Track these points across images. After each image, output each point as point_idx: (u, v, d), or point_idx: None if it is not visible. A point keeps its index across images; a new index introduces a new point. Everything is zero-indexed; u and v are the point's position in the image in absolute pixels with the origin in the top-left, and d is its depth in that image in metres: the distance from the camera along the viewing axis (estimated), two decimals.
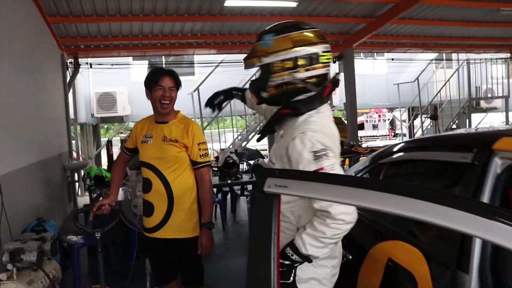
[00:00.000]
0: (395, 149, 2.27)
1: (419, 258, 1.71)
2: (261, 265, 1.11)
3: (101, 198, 4.74)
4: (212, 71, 11.43)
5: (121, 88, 12.26)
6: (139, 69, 12.48)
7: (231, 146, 11.86)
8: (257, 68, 1.90)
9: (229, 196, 7.79)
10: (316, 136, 1.70)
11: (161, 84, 2.73)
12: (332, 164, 1.66)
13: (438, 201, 0.76)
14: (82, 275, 4.19)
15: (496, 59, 14.43)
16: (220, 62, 11.81)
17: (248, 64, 1.91)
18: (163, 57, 12.69)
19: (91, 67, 9.91)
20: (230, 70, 12.02)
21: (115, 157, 9.21)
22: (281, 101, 1.86)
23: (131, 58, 12.25)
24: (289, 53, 1.80)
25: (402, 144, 2.42)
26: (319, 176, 1.04)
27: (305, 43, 1.80)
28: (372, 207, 0.89)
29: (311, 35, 1.82)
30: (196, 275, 2.86)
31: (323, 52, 1.81)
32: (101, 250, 2.98)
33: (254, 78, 1.98)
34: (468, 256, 1.46)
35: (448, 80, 13.44)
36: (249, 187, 7.19)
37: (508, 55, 13.80)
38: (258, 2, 7.51)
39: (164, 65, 12.99)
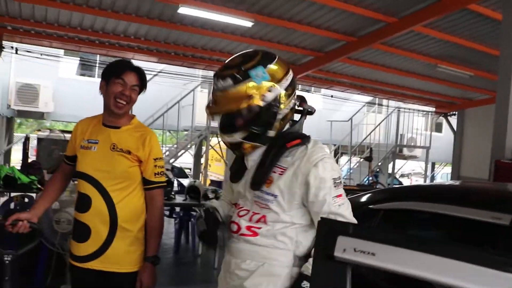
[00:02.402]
0: (399, 194, 2.00)
1: None
2: None
3: (11, 205, 3.99)
4: (149, 80, 10.84)
5: (46, 82, 11.21)
6: (69, 65, 11.55)
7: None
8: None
9: None
10: (333, 163, 1.69)
11: (123, 78, 2.22)
12: (344, 193, 1.68)
13: None
14: None
15: (423, 111, 15.24)
16: (159, 72, 11.28)
17: (235, 110, 1.66)
18: (98, 56, 11.84)
19: (16, 52, 8.88)
20: (167, 82, 11.53)
21: (31, 157, 8.31)
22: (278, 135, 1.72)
23: (62, 51, 11.28)
24: (287, 79, 1.70)
25: (407, 189, 2.15)
26: (434, 245, 0.70)
27: (289, 68, 1.74)
28: None
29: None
30: None
31: None
32: (8, 279, 2.26)
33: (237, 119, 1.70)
34: None
35: (379, 124, 13.91)
36: (177, 208, 6.75)
37: (433, 109, 14.61)
38: (214, 16, 7.16)
39: (97, 64, 12.15)
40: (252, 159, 1.73)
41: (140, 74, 2.30)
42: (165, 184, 2.46)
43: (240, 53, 1.74)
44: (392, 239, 0.74)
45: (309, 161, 1.63)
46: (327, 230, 0.77)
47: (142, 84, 2.31)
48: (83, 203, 2.26)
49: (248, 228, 1.69)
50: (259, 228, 1.68)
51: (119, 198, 2.25)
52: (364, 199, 2.22)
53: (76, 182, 2.38)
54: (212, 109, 1.67)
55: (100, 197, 2.23)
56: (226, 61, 1.71)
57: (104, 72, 2.31)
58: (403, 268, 0.71)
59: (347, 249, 0.74)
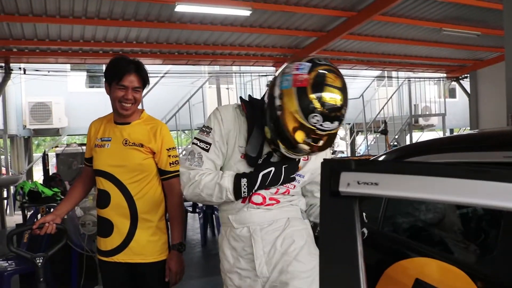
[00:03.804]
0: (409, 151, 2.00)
1: (461, 279, 1.42)
2: None
3: (38, 216, 4.10)
4: (157, 83, 10.94)
5: (57, 98, 11.41)
6: (77, 79, 11.70)
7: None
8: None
9: None
10: None
11: (123, 83, 2.23)
12: None
13: None
14: None
15: (434, 78, 15.05)
16: (166, 73, 11.35)
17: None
18: (104, 65, 11.96)
19: (24, 72, 9.04)
20: (175, 82, 11.59)
21: (51, 172, 8.48)
22: None
23: (68, 66, 11.45)
24: None
25: (416, 145, 2.15)
26: (432, 167, 0.71)
27: None
28: None
29: None
30: None
31: None
32: (43, 280, 2.35)
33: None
34: None
35: (391, 97, 13.78)
36: (200, 203, 6.80)
37: (444, 75, 14.41)
38: (211, 9, 7.18)
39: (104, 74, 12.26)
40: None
41: (141, 73, 2.30)
42: None
43: (343, 85, 1.58)
44: (393, 167, 0.76)
45: None
46: (330, 168, 0.79)
47: (144, 82, 2.33)
48: (103, 199, 2.33)
49: (272, 198, 1.81)
50: (280, 197, 1.83)
51: (136, 190, 2.30)
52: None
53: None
54: (321, 149, 1.64)
55: (118, 191, 2.29)
56: (336, 102, 1.55)
57: (105, 75, 2.33)
58: (406, 193, 0.73)
59: (351, 183, 0.76)
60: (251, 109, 1.78)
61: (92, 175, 2.48)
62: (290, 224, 1.83)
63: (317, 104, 1.52)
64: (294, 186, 1.84)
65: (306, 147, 1.59)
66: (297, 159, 1.79)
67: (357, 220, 0.76)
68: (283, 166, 1.74)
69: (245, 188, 1.73)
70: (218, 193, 1.74)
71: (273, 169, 1.73)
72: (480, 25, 9.39)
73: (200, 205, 6.87)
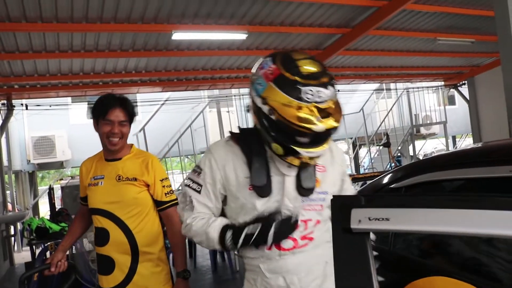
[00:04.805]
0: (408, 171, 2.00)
1: None
2: None
3: (48, 252, 4.10)
4: (158, 110, 11.01)
5: (60, 131, 11.49)
6: (78, 111, 11.80)
7: (180, 188, 11.37)
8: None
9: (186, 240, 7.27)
10: None
11: (109, 118, 2.26)
12: None
13: None
14: None
15: (432, 87, 15.12)
16: (166, 100, 11.43)
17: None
18: None
19: (27, 108, 9.13)
20: (175, 109, 11.67)
21: (58, 207, 8.48)
22: None
23: (69, 99, 11.55)
24: None
25: (422, 163, 2.15)
26: (448, 200, 0.72)
27: None
28: None
29: None
30: None
31: None
32: None
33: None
34: None
35: (391, 109, 13.82)
36: None
37: (442, 83, 14.48)
38: (208, 35, 7.27)
39: (91, 112, 12.40)
40: (293, 166, 1.57)
41: (126, 107, 2.32)
42: (177, 201, 2.48)
43: (311, 56, 1.51)
44: (403, 202, 0.77)
45: (338, 151, 1.79)
46: (341, 206, 0.80)
47: (130, 116, 2.35)
48: (101, 236, 2.33)
49: (304, 237, 1.60)
50: (313, 232, 1.62)
51: (134, 224, 2.31)
52: (385, 180, 2.24)
53: None
54: (331, 123, 1.43)
55: (116, 227, 2.30)
56: (314, 67, 1.46)
57: (92, 112, 2.37)
58: (417, 226, 0.74)
59: (362, 219, 0.77)
60: (243, 138, 1.64)
61: (86, 213, 2.49)
62: (329, 270, 1.60)
63: (301, 79, 1.40)
64: (322, 206, 1.63)
65: (318, 127, 1.39)
66: (295, 219, 1.56)
67: (371, 255, 0.77)
68: (274, 223, 1.50)
69: (230, 242, 1.55)
70: (206, 241, 1.61)
71: (259, 226, 1.51)
72: (474, 32, 9.48)
73: None
